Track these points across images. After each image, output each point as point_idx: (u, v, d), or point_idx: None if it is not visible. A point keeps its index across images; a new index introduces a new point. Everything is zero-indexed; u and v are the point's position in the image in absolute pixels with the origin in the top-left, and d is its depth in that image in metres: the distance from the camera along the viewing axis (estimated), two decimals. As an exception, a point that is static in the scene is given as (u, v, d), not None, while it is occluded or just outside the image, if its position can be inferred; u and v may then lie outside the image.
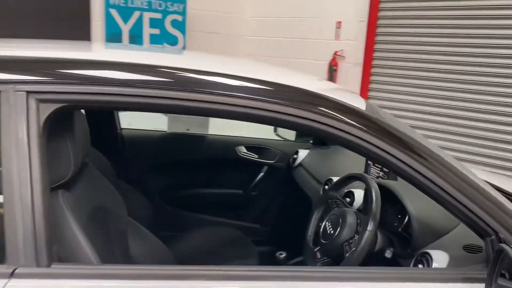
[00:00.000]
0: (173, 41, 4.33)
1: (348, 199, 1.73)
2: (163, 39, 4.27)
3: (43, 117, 0.96)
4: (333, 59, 4.60)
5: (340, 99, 1.13)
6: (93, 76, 1.01)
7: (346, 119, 1.07)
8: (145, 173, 2.37)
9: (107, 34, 3.96)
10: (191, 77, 1.08)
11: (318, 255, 1.57)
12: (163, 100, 1.00)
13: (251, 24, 5.32)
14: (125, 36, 4.05)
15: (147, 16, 4.14)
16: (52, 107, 0.97)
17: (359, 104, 1.16)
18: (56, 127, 1.05)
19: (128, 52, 1.57)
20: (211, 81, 1.08)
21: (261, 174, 2.50)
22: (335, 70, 4.61)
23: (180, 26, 4.35)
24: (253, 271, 1.04)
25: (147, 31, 4.18)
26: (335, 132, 1.06)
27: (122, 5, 3.98)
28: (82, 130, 1.23)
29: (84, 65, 1.03)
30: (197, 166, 2.49)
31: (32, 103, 0.95)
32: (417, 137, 1.19)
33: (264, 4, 5.20)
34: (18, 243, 0.91)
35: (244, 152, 2.49)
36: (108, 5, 3.91)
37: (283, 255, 1.72)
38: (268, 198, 2.56)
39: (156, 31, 4.23)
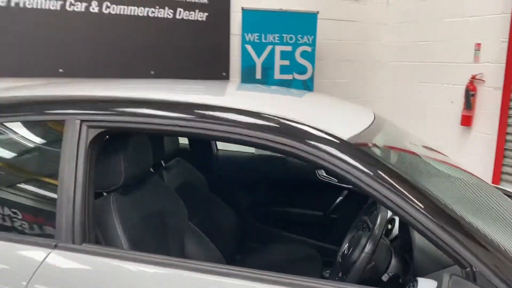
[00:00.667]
0: (302, 71, 4.64)
1: (389, 226, 1.74)
2: (293, 69, 4.62)
3: (90, 138, 1.36)
4: (471, 83, 4.28)
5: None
6: (124, 110, 1.38)
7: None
8: (234, 189, 2.70)
9: (242, 67, 4.50)
10: (196, 112, 1.35)
11: (340, 273, 1.64)
12: (164, 127, 1.31)
13: (387, 49, 5.31)
14: (258, 68, 4.53)
15: (278, 49, 4.56)
16: (96, 131, 1.36)
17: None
18: (108, 146, 1.45)
19: (157, 90, 1.90)
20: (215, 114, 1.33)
21: (341, 197, 2.57)
22: (473, 95, 4.27)
23: (310, 56, 4.64)
24: (246, 272, 1.23)
25: (278, 62, 4.58)
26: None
27: (256, 41, 4.48)
28: (140, 149, 1.62)
29: (119, 102, 1.41)
30: (281, 186, 2.71)
31: (84, 128, 1.36)
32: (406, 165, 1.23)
33: (401, 30, 5.14)
34: (62, 226, 1.31)
35: (324, 176, 2.61)
36: (244, 42, 4.45)
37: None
38: (346, 221, 2.61)
39: (286, 62, 4.61)
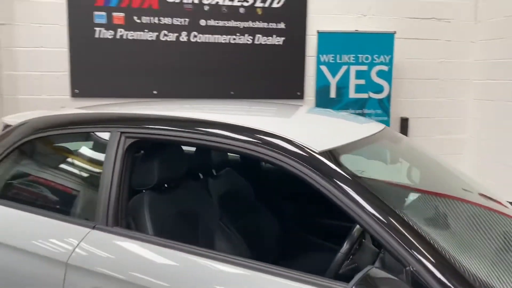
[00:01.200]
0: (378, 90, 4.70)
1: None
2: (368, 88, 4.71)
3: (126, 146, 1.75)
4: None
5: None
6: (149, 126, 1.75)
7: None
8: (279, 199, 2.92)
9: (317, 86, 4.72)
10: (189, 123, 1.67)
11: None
12: (173, 138, 1.64)
13: (474, 67, 5.08)
14: (333, 88, 4.70)
15: (353, 69, 4.69)
16: (131, 140, 1.75)
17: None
18: (146, 154, 1.83)
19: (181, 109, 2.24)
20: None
21: None
22: None
23: (386, 75, 4.68)
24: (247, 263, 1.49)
25: (353, 82, 4.71)
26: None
27: (331, 61, 4.67)
28: (174, 158, 1.97)
29: (149, 120, 1.78)
30: (320, 199, 2.86)
31: (122, 138, 1.75)
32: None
33: (490, 47, 4.90)
34: (100, 212, 1.71)
35: None
36: (319, 63, 4.67)
37: None
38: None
39: (362, 82, 4.71)
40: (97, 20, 4.27)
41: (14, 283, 1.75)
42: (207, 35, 4.48)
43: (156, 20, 4.34)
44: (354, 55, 4.67)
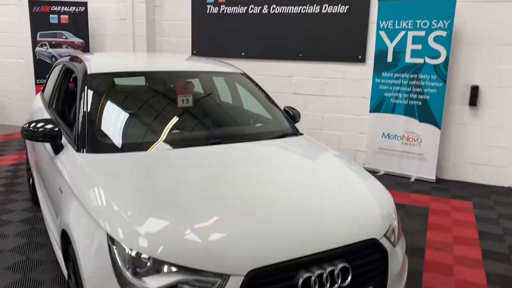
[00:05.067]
0: (434, 55, 4.75)
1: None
2: (424, 53, 4.80)
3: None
4: None
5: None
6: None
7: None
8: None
9: (376, 51, 5.09)
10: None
11: None
12: None
13: None
14: (390, 53, 5.00)
15: (411, 34, 4.85)
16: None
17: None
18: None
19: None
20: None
21: None
22: None
23: (444, 41, 4.67)
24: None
25: (410, 47, 4.88)
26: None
27: (390, 27, 4.96)
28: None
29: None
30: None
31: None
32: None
33: None
34: None
35: None
36: (378, 29, 5.03)
37: None
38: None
39: (418, 47, 4.84)
40: (208, 0, 5.89)
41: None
42: (282, 7, 5.50)
43: (247, -3, 5.66)
44: (412, 21, 4.83)
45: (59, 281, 2.68)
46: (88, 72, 2.65)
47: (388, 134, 5.17)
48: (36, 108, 3.60)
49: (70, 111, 2.99)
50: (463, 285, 2.77)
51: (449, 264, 3.04)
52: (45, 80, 4.02)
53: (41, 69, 6.40)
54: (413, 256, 3.09)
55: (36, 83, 6.48)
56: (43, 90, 3.91)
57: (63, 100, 3.13)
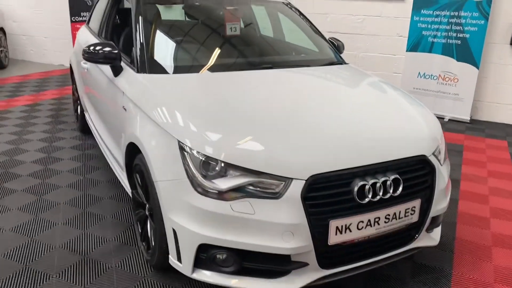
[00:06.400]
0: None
1: None
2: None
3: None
4: None
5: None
6: None
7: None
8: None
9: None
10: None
11: None
12: None
13: None
14: (431, -11, 4.87)
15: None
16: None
17: None
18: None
19: None
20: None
21: None
22: None
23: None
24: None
25: None
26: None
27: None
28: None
29: None
30: None
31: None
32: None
33: None
34: None
35: None
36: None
37: None
38: None
39: None
40: None
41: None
42: None
43: None
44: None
45: (117, 197, 2.89)
46: (142, -1, 2.72)
47: (424, 73, 5.13)
48: (84, 39, 3.70)
49: (120, 38, 3.09)
50: (498, 212, 2.88)
51: (484, 194, 3.14)
52: (87, 14, 4.07)
53: (76, 6, 6.45)
54: (449, 186, 3.19)
55: (71, 21, 6.55)
56: (88, 22, 3.99)
57: (113, 28, 3.23)
